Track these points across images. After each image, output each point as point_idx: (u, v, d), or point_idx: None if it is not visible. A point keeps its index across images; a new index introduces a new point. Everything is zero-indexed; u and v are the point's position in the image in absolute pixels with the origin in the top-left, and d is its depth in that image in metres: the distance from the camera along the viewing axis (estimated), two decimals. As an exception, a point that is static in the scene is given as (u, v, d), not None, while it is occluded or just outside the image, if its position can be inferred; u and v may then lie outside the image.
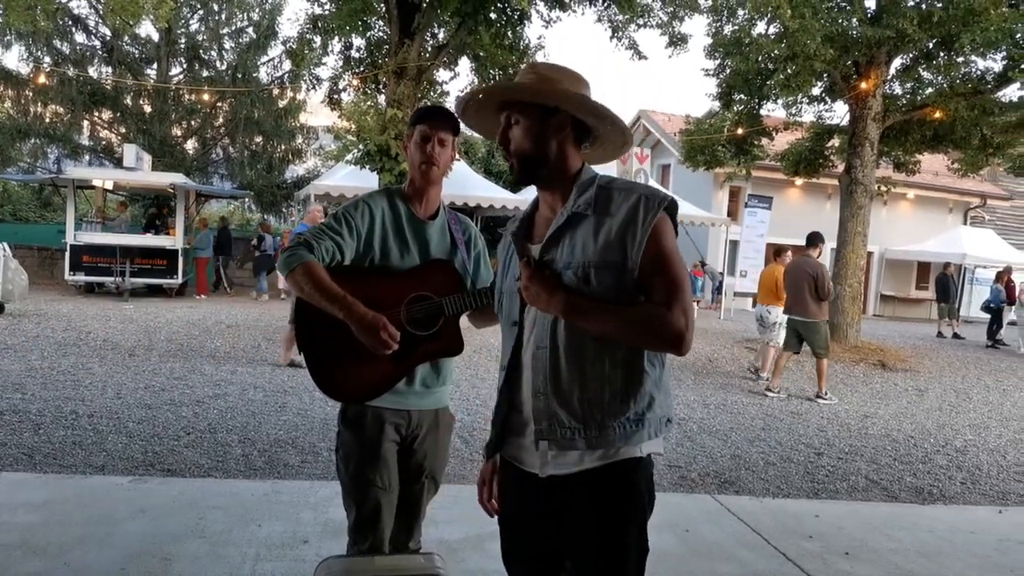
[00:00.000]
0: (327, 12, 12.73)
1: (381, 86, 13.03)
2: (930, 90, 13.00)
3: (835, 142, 14.60)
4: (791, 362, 9.09)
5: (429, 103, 13.20)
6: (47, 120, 22.04)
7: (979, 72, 12.43)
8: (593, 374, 1.64)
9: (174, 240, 15.11)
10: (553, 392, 1.66)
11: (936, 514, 4.77)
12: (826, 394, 8.43)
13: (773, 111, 14.69)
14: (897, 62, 13.05)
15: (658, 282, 1.61)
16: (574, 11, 12.72)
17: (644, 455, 1.68)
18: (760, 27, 12.93)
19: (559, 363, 1.66)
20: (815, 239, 8.91)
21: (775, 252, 9.68)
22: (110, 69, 22.76)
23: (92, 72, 22.31)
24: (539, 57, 13.60)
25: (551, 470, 1.69)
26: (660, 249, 1.62)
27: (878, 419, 7.56)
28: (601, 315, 1.59)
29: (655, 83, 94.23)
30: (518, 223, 1.84)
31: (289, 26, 23.39)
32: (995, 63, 12.27)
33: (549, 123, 1.69)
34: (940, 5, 11.06)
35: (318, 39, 13.43)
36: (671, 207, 1.65)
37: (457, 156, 2.45)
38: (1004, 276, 16.76)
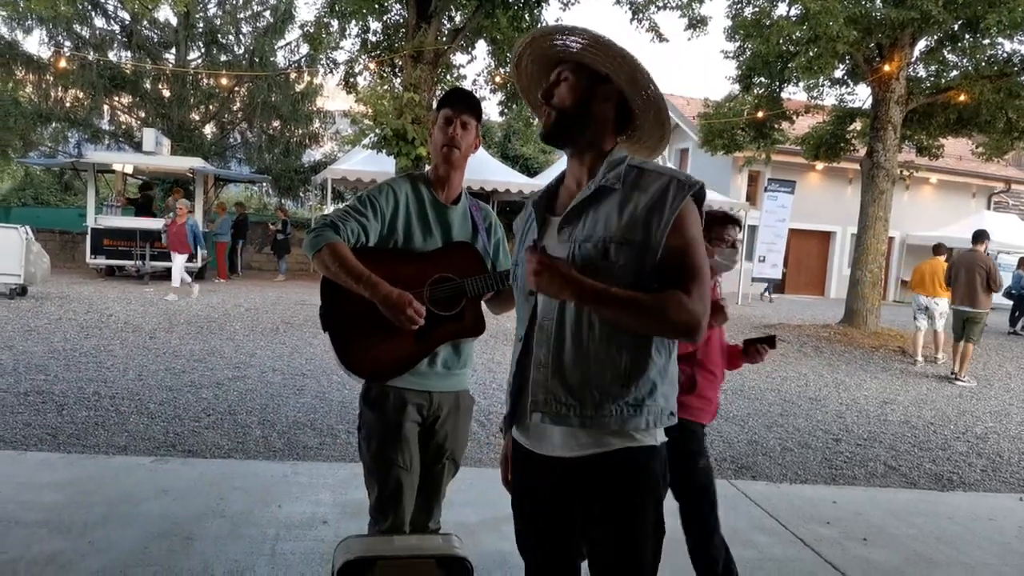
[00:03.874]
0: (344, -5, 12.69)
1: (398, 70, 13.02)
2: (955, 73, 12.77)
3: (857, 126, 14.42)
4: (811, 348, 9.12)
5: (446, 87, 13.18)
6: (68, 104, 22.23)
7: (1005, 54, 12.19)
8: (596, 353, 1.62)
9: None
10: (554, 366, 1.65)
11: (956, 501, 4.74)
12: (965, 377, 9.05)
13: (794, 94, 14.51)
14: (921, 44, 12.84)
15: (677, 267, 1.58)
16: (591, -7, 12.61)
17: (659, 443, 1.67)
18: (781, 8, 12.86)
19: (564, 338, 1.64)
20: (982, 235, 9.47)
21: (936, 248, 10.44)
22: (129, 53, 22.86)
23: (112, 56, 22.44)
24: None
25: (549, 450, 1.69)
26: (684, 234, 1.59)
27: (897, 405, 7.51)
28: (615, 302, 1.55)
29: (674, 66, 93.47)
30: (540, 192, 1.83)
31: (306, 10, 23.51)
32: (1022, 45, 12.07)
33: (597, 89, 1.68)
34: (966, -15, 10.85)
35: (335, 22, 13.43)
36: (700, 193, 1.63)
37: (480, 141, 2.46)
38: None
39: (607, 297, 1.55)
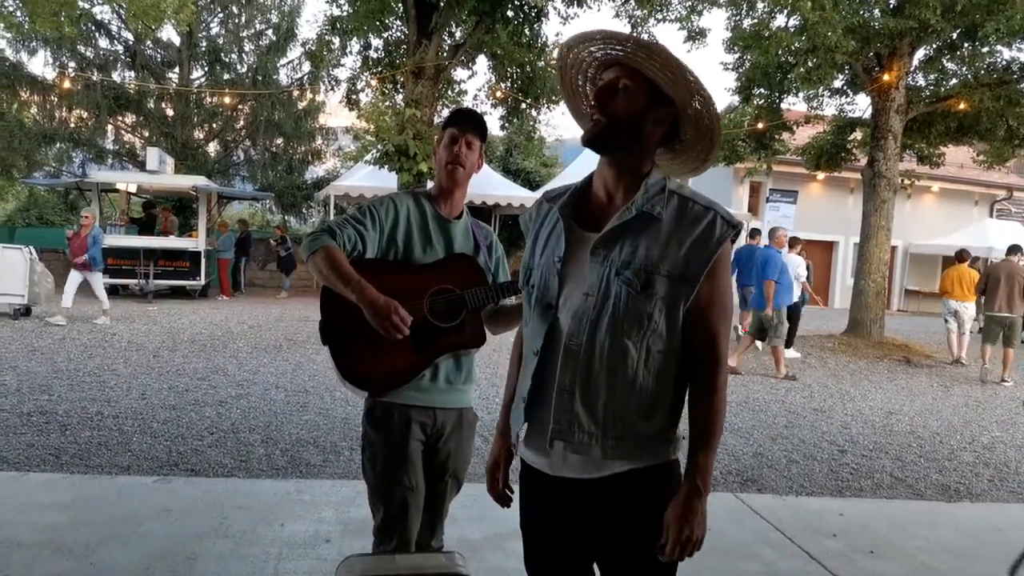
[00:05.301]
0: (345, 13, 12.79)
1: (399, 86, 13.08)
2: (954, 81, 12.82)
3: (857, 135, 14.44)
4: (821, 359, 9.19)
5: (447, 102, 13.26)
6: (72, 125, 22.39)
7: (1004, 62, 12.24)
8: (625, 383, 1.57)
9: (197, 242, 15.27)
10: (580, 392, 1.59)
11: (963, 512, 4.70)
12: (1009, 378, 9.66)
13: (794, 105, 14.56)
14: (920, 53, 12.88)
15: (711, 307, 1.59)
16: (591, 7, 12.70)
17: (674, 458, 1.66)
18: (780, 20, 12.83)
19: (592, 364, 1.58)
20: (1017, 248, 10.34)
21: (959, 255, 11.25)
22: (133, 73, 23.04)
23: (115, 76, 22.62)
24: (556, 54, 13.60)
25: (566, 472, 1.64)
26: (719, 273, 1.58)
27: (903, 416, 7.47)
28: (712, 449, 1.59)
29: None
30: (567, 197, 1.72)
31: (308, 28, 23.68)
32: (1021, 52, 12.12)
33: (655, 109, 1.59)
34: (964, -6, 10.89)
35: (337, 40, 13.52)
36: (738, 233, 1.61)
37: (483, 161, 2.48)
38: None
39: (709, 460, 1.58)
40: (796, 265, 10.33)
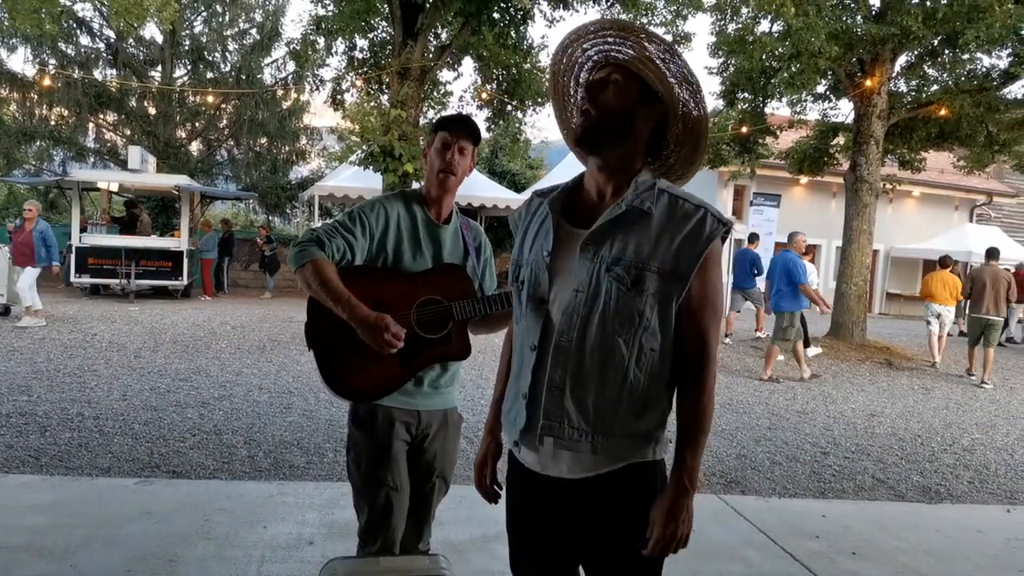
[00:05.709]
0: (330, 13, 12.73)
1: (384, 86, 13.05)
2: (935, 87, 12.96)
3: (840, 140, 14.56)
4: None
5: (433, 103, 13.25)
6: (52, 122, 22.16)
7: (984, 69, 12.39)
8: (616, 381, 1.58)
9: (179, 242, 15.14)
10: (571, 389, 1.59)
11: (943, 513, 4.75)
12: (989, 381, 9.92)
13: (777, 109, 14.66)
14: (902, 59, 13.01)
15: (702, 306, 1.59)
16: (577, 10, 12.72)
17: (659, 458, 1.66)
18: (764, 25, 12.91)
19: (583, 360, 1.58)
20: (996, 252, 10.81)
21: (942, 260, 11.69)
22: (115, 71, 22.85)
23: (97, 74, 22.42)
24: (541, 56, 13.63)
25: (555, 472, 1.65)
26: (710, 271, 1.58)
27: (884, 418, 7.54)
28: (699, 450, 1.62)
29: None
30: (557, 193, 1.73)
31: (293, 27, 23.59)
32: (1000, 60, 12.25)
33: (643, 105, 1.60)
34: (945, 2, 10.99)
35: (322, 40, 13.47)
36: (728, 232, 1.61)
37: (474, 164, 2.46)
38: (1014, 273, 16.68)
39: (696, 458, 1.61)
40: (809, 271, 10.52)
